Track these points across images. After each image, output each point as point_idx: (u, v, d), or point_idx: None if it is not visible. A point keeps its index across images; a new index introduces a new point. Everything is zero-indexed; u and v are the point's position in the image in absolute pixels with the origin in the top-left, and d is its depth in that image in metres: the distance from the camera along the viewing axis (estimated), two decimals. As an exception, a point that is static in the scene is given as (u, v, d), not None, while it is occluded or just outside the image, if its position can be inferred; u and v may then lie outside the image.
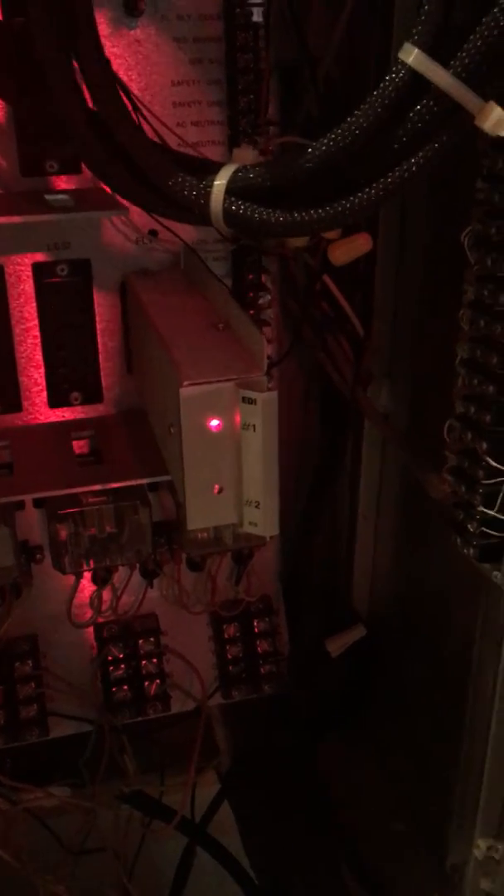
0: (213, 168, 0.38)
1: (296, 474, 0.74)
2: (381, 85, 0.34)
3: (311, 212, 0.35)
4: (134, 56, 0.56)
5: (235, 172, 0.37)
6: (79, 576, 0.66)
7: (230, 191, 0.37)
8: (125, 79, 0.56)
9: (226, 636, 0.72)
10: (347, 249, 0.53)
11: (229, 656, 0.72)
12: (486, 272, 0.47)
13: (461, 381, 0.50)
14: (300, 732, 0.75)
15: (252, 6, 0.56)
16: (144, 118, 0.57)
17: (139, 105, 0.56)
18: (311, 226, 0.35)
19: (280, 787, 0.76)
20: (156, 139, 0.57)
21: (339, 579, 0.77)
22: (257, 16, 0.57)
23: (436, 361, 0.55)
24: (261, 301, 0.64)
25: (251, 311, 0.64)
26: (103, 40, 0.55)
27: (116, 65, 0.56)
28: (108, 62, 0.42)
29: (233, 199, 0.37)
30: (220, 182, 0.37)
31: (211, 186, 0.37)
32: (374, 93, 0.34)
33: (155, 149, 0.40)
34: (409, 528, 0.69)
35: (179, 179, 0.37)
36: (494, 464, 0.48)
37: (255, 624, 0.73)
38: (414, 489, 0.61)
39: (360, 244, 0.53)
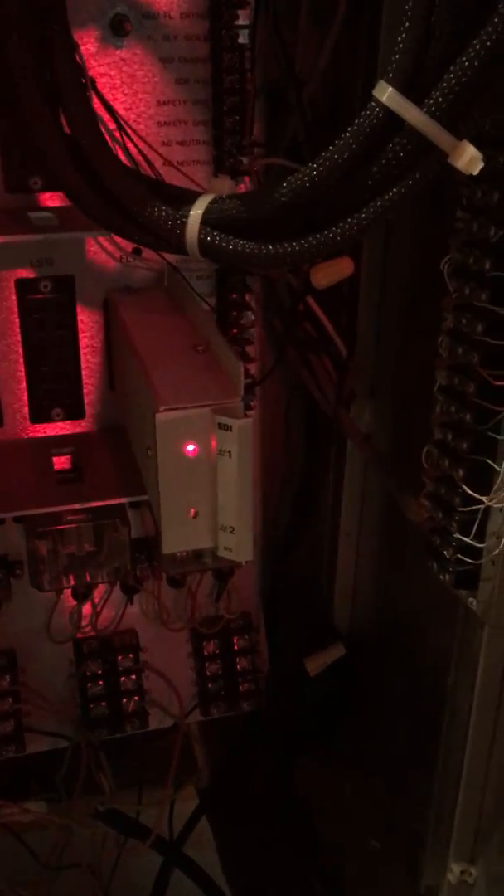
0: (190, 197, 0.38)
1: (279, 492, 0.74)
2: (356, 122, 0.34)
3: (285, 245, 0.35)
4: (120, 75, 0.56)
5: (211, 203, 0.37)
6: (58, 592, 0.66)
7: (206, 221, 0.37)
8: (110, 98, 0.56)
9: (205, 653, 0.72)
10: (329, 273, 0.53)
11: (208, 673, 0.72)
12: (463, 301, 0.47)
13: (439, 407, 0.50)
14: (278, 749, 0.75)
15: (238, 28, 0.56)
16: (129, 137, 0.57)
17: (124, 124, 0.57)
18: (284, 259, 0.35)
19: (257, 804, 0.76)
20: (140, 158, 0.57)
21: (321, 597, 0.77)
22: (243, 38, 0.57)
23: (418, 383, 0.55)
24: (244, 320, 0.64)
25: (234, 330, 0.64)
26: (89, 59, 0.55)
27: (102, 84, 0.56)
28: (84, 88, 0.42)
29: (208, 229, 0.37)
30: (196, 212, 0.37)
31: (187, 217, 0.37)
32: (348, 130, 0.34)
33: (131, 177, 0.40)
34: (389, 548, 0.69)
35: (155, 209, 0.37)
36: (470, 491, 0.48)
37: (235, 641, 0.73)
38: (395, 509, 0.61)
39: (341, 268, 0.53)
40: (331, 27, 0.58)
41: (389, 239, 0.62)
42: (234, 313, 0.64)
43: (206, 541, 0.48)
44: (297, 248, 0.35)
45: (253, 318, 0.64)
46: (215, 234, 0.37)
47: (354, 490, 0.72)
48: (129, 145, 0.57)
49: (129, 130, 0.57)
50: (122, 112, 0.57)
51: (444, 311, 0.49)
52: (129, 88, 0.57)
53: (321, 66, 0.60)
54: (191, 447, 0.46)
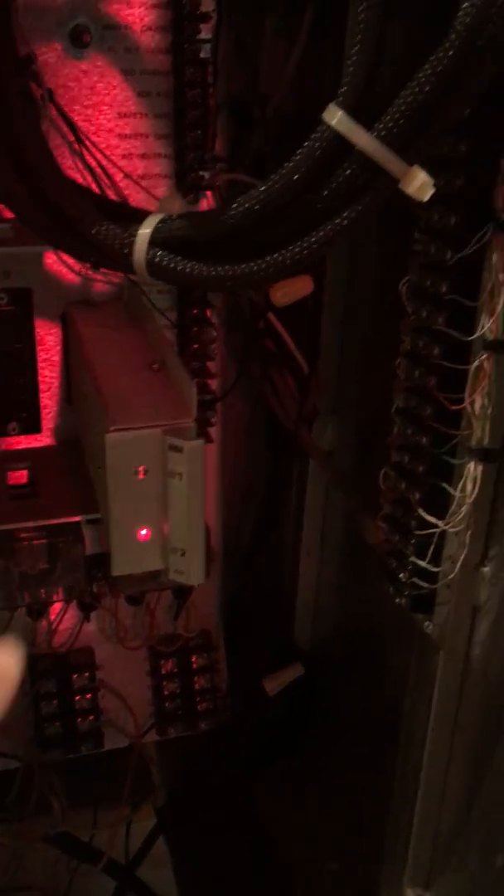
0: (139, 216, 0.37)
1: (240, 508, 0.74)
2: (306, 145, 0.33)
3: (234, 267, 0.35)
4: (79, 87, 0.55)
5: (160, 223, 0.36)
6: (13, 610, 0.64)
7: (154, 241, 0.36)
8: (69, 110, 0.55)
9: (163, 671, 0.71)
10: (288, 291, 0.52)
11: (166, 692, 0.71)
12: (421, 324, 0.46)
13: (396, 429, 0.50)
14: (237, 769, 0.74)
15: (200, 42, 0.56)
16: (88, 150, 0.56)
17: (83, 136, 0.56)
18: (232, 281, 0.35)
19: (215, 824, 0.75)
20: (100, 171, 0.56)
21: (282, 615, 0.77)
22: (205, 52, 0.56)
23: (381, 403, 0.55)
24: (205, 336, 0.63)
25: (195, 346, 0.63)
26: (48, 70, 0.54)
27: (60, 95, 0.55)
28: (29, 97, 0.40)
29: (156, 250, 0.36)
30: (144, 232, 0.36)
31: (135, 236, 0.36)
32: (298, 153, 0.33)
33: (77, 193, 0.39)
34: (351, 566, 0.69)
35: (103, 228, 0.37)
36: (426, 515, 0.48)
37: (194, 659, 0.72)
38: (355, 529, 0.60)
39: (300, 287, 0.52)
40: (296, 40, 0.58)
41: (354, 256, 0.62)
42: (195, 329, 0.63)
43: (156, 563, 0.47)
44: (246, 270, 0.35)
45: (214, 333, 0.64)
46: (163, 254, 0.36)
47: (316, 508, 0.72)
48: (89, 158, 0.56)
49: (87, 143, 0.56)
50: (81, 124, 0.56)
51: (402, 334, 0.48)
52: (88, 100, 0.56)
53: (286, 80, 0.59)
54: (141, 468, 0.45)
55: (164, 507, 0.46)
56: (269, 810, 0.74)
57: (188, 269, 0.36)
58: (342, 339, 0.65)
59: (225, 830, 0.75)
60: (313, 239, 0.34)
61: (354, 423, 0.65)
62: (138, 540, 0.46)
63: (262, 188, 0.34)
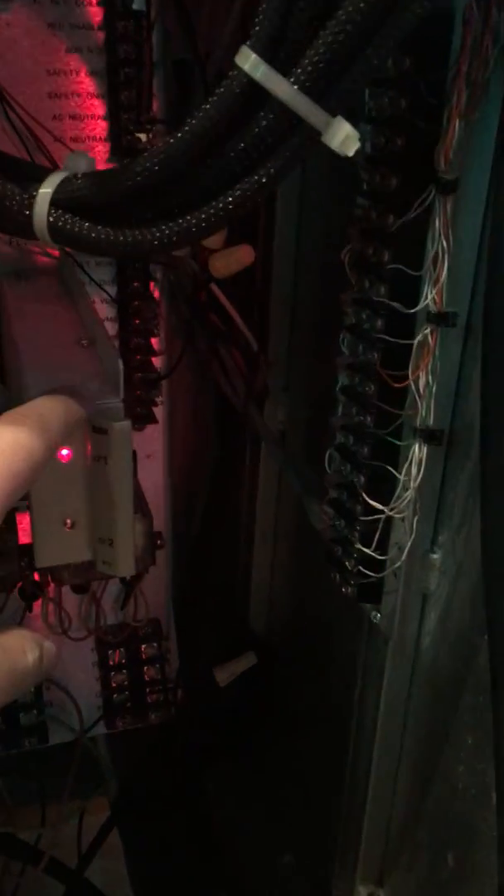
0: (40, 175, 0.33)
1: (189, 492, 0.71)
2: (216, 92, 0.30)
3: (144, 231, 0.31)
4: (2, 41, 0.51)
5: (63, 182, 0.33)
6: None
7: (55, 202, 0.33)
8: (-10, 66, 0.51)
9: (111, 662, 0.68)
10: (228, 262, 0.49)
11: (114, 684, 0.68)
12: (363, 296, 0.43)
13: (341, 409, 0.47)
14: (188, 761, 0.71)
15: (133, -7, 0.52)
16: (14, 110, 0.52)
17: (6, 96, 0.52)
18: (142, 247, 0.31)
19: (166, 817, 0.73)
20: (24, 131, 0.53)
21: (236, 601, 0.74)
22: (139, 4, 0.52)
23: (332, 380, 0.52)
24: (147, 310, 0.60)
25: (136, 321, 0.60)
26: (-34, 22, 0.50)
27: (-19, 50, 0.51)
28: None
29: (59, 212, 0.33)
30: (45, 191, 0.33)
31: (35, 196, 0.33)
32: (208, 101, 0.30)
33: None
34: (303, 553, 0.66)
35: None
36: (370, 500, 0.45)
37: (143, 649, 0.69)
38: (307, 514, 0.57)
39: (240, 256, 0.49)
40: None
41: (301, 225, 0.59)
42: (137, 303, 0.59)
43: (82, 554, 0.44)
44: (156, 234, 0.31)
45: (157, 308, 0.60)
46: (66, 217, 0.33)
47: (270, 491, 0.69)
48: (14, 118, 0.52)
49: (13, 102, 0.52)
50: (5, 82, 0.52)
51: (344, 306, 0.45)
52: (12, 56, 0.52)
53: (227, 38, 0.56)
54: (64, 451, 0.41)
55: (89, 493, 0.42)
56: (220, 802, 0.72)
57: (94, 234, 0.32)
58: (292, 313, 0.62)
59: (177, 823, 0.73)
60: (229, 199, 0.31)
61: (306, 403, 0.62)
62: (63, 529, 0.43)
63: (170, 139, 0.30)
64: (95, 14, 0.53)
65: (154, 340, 0.61)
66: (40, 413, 0.37)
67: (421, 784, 0.51)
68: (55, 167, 0.53)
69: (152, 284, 0.60)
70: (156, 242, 0.31)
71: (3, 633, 0.33)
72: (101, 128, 0.55)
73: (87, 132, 0.55)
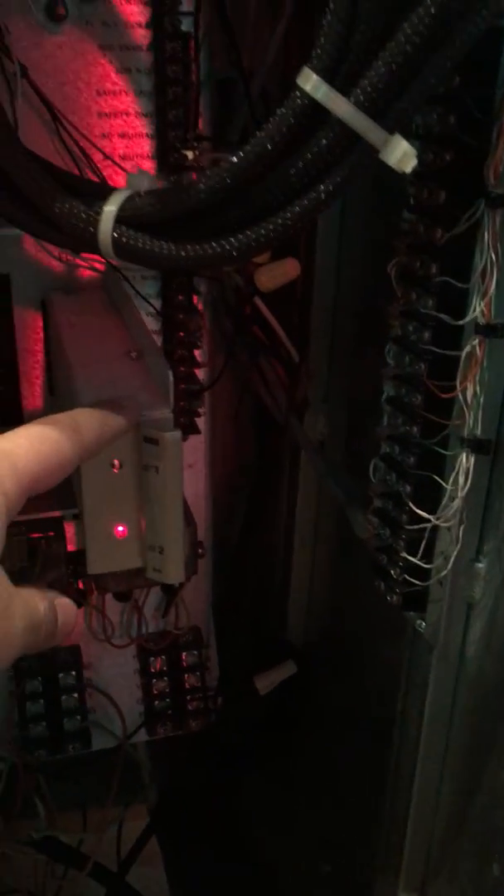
0: (104, 193, 0.35)
1: (230, 501, 0.71)
2: (278, 112, 0.31)
3: (205, 246, 0.32)
4: (54, 63, 0.53)
5: (126, 200, 0.34)
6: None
7: (120, 219, 0.34)
8: (43, 87, 0.53)
9: (152, 669, 0.69)
10: (274, 276, 0.50)
11: (155, 691, 0.69)
12: (410, 308, 0.44)
13: (386, 419, 0.48)
14: (227, 767, 0.72)
15: (181, 15, 0.53)
16: (65, 129, 0.54)
17: (59, 116, 0.53)
18: (203, 261, 0.32)
19: (206, 824, 0.73)
20: (76, 150, 0.54)
21: (274, 610, 0.75)
22: (187, 25, 0.54)
23: (373, 392, 0.53)
24: (191, 323, 0.61)
25: (181, 334, 0.61)
26: (21, 45, 0.52)
27: (34, 72, 0.52)
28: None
29: (123, 228, 0.34)
30: (110, 209, 0.34)
31: (100, 214, 0.34)
32: (270, 121, 0.31)
33: (38, 170, 0.36)
34: (343, 561, 0.67)
35: (66, 205, 0.34)
36: (417, 509, 0.46)
37: (184, 657, 0.70)
38: (348, 521, 0.58)
39: (286, 270, 0.50)
40: (281, 15, 0.56)
41: (343, 238, 0.60)
42: (181, 316, 0.61)
43: (133, 561, 0.45)
44: (217, 249, 0.32)
45: (200, 321, 0.61)
46: (130, 233, 0.34)
47: (309, 500, 0.69)
48: (66, 138, 0.54)
49: (64, 122, 0.53)
50: (57, 102, 0.53)
51: (390, 318, 0.46)
52: (64, 77, 0.54)
53: (271, 56, 0.57)
54: (116, 461, 0.43)
55: (140, 502, 0.43)
56: (258, 810, 0.72)
57: (157, 249, 0.33)
58: (333, 325, 0.63)
59: (216, 830, 0.73)
60: (288, 215, 0.31)
61: (346, 413, 0.63)
62: (115, 537, 0.44)
63: (233, 159, 0.31)
64: (144, 36, 0.54)
65: (197, 352, 0.62)
66: (74, 418, 0.38)
67: (464, 793, 0.51)
68: (105, 183, 0.55)
69: (196, 297, 0.61)
70: (217, 257, 0.32)
71: (20, 589, 0.34)
72: (149, 145, 0.57)
73: (135, 150, 0.57)
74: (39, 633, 0.35)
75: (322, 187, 0.31)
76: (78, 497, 0.46)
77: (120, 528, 0.44)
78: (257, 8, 0.56)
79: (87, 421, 0.39)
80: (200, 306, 0.61)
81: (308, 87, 0.30)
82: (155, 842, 0.77)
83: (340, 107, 0.30)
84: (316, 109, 0.31)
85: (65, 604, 0.36)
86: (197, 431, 0.64)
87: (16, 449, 0.34)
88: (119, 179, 0.56)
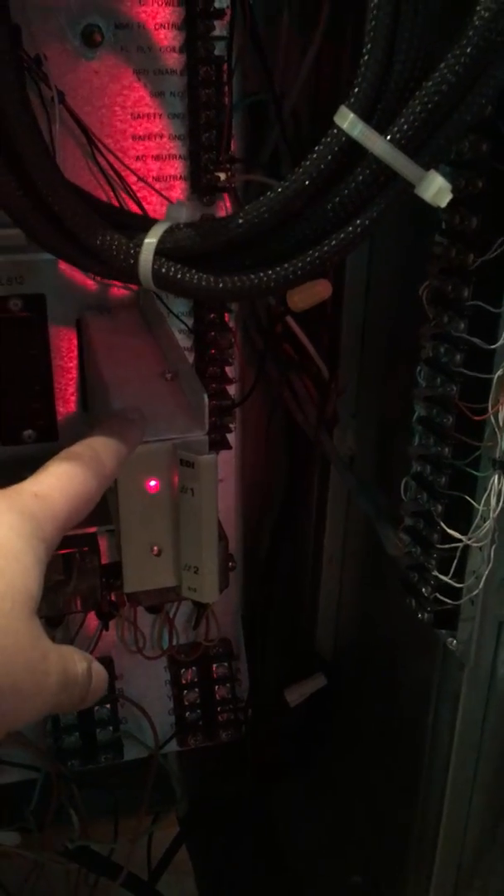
0: (145, 225, 0.35)
1: (260, 515, 0.72)
2: (316, 149, 0.32)
3: (243, 278, 0.33)
4: (90, 88, 0.54)
5: (165, 232, 0.35)
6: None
7: (160, 251, 0.35)
8: (80, 112, 0.54)
9: (183, 681, 0.70)
10: (306, 296, 0.51)
11: (186, 702, 0.70)
12: (442, 330, 0.45)
13: (417, 439, 0.48)
14: (257, 780, 0.73)
15: (214, 39, 0.54)
16: (100, 152, 0.55)
17: (95, 139, 0.54)
18: (241, 293, 0.33)
19: (236, 834, 0.74)
20: (111, 173, 0.55)
21: (303, 622, 0.75)
22: (220, 49, 0.54)
23: (402, 409, 0.53)
24: (223, 340, 0.62)
25: (213, 351, 0.62)
26: (59, 71, 0.53)
27: (71, 97, 0.53)
28: (29, 110, 0.39)
29: (163, 260, 0.35)
30: (150, 241, 0.35)
31: (140, 246, 0.35)
32: (308, 158, 0.31)
33: (81, 203, 0.37)
34: (373, 575, 0.67)
35: (107, 238, 0.35)
36: (448, 529, 0.46)
37: (214, 669, 0.71)
38: (377, 536, 0.58)
39: (318, 291, 0.51)
40: (312, 38, 0.56)
41: (373, 259, 0.60)
42: (213, 333, 0.61)
43: (168, 580, 0.46)
44: (255, 281, 0.33)
45: (232, 338, 0.62)
46: (170, 264, 0.35)
47: (338, 515, 0.70)
48: (101, 161, 0.55)
49: (100, 145, 0.54)
50: (93, 127, 0.55)
51: (422, 340, 0.47)
52: (100, 102, 0.55)
53: (302, 79, 0.58)
54: (152, 483, 0.43)
55: (175, 522, 0.44)
56: (288, 822, 0.73)
57: (196, 281, 0.34)
58: (362, 342, 0.63)
59: (246, 841, 0.74)
60: (325, 248, 0.32)
61: (376, 429, 0.64)
62: (151, 556, 0.45)
63: (271, 195, 0.32)
64: (178, 60, 0.55)
65: (228, 369, 0.63)
66: (94, 449, 0.40)
67: (496, 807, 0.51)
68: (139, 205, 0.56)
69: (227, 315, 0.62)
70: (254, 289, 0.33)
71: (58, 646, 0.35)
72: (182, 167, 0.58)
73: (169, 171, 0.58)
74: (74, 692, 0.34)
75: (358, 221, 0.32)
76: (115, 517, 0.47)
77: (155, 548, 0.45)
78: (289, 30, 0.57)
79: (106, 450, 0.40)
80: (232, 324, 0.62)
81: (345, 126, 0.31)
82: (185, 851, 0.78)
83: (377, 144, 0.31)
84: (353, 146, 0.31)
85: (98, 670, 0.36)
86: (228, 447, 0.65)
87: (52, 493, 0.35)
88: (153, 200, 0.57)
